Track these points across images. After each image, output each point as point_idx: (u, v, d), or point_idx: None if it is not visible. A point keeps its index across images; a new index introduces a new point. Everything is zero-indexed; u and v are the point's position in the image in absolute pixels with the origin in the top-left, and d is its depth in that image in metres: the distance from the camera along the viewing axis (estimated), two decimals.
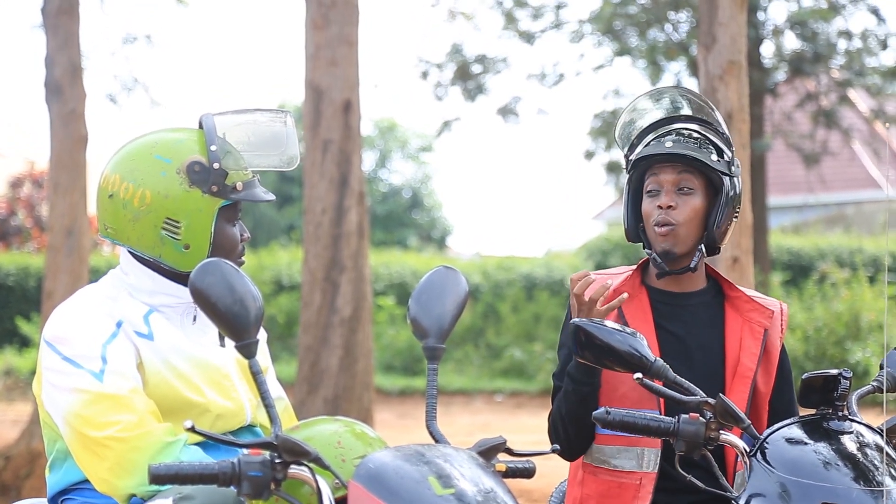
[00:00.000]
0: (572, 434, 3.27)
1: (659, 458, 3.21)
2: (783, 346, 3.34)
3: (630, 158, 3.33)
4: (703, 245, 3.28)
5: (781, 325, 3.33)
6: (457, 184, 60.23)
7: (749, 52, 9.00)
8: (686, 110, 3.33)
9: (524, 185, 62.81)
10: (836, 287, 15.96)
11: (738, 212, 3.30)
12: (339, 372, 9.21)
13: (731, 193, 3.26)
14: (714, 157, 3.25)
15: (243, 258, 3.09)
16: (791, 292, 17.04)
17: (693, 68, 15.41)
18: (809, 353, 14.78)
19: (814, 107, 16.10)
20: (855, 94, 17.63)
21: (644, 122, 3.34)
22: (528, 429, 12.59)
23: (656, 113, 3.34)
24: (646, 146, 3.30)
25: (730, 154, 3.27)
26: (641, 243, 3.33)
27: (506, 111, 16.71)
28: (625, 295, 3.19)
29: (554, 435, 3.29)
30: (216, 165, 3.00)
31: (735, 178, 3.28)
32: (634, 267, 3.38)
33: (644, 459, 3.23)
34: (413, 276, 19.72)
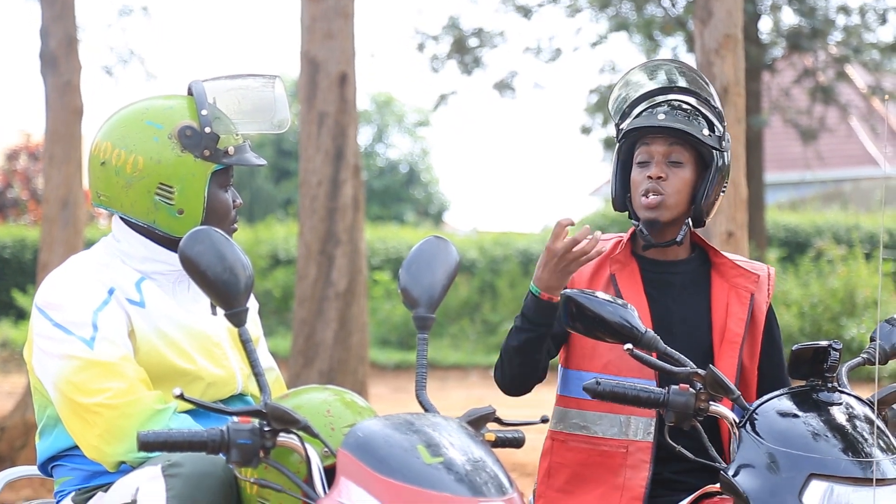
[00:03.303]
0: (516, 364, 3.21)
1: (654, 428, 3.20)
2: (771, 309, 3.32)
3: (621, 128, 3.32)
4: (689, 219, 3.28)
5: (769, 288, 3.32)
6: (454, 159, 60.21)
7: (747, 27, 8.98)
8: (681, 83, 3.33)
9: (521, 161, 62.80)
10: (833, 264, 15.97)
11: (726, 185, 3.30)
12: (333, 345, 9.20)
13: (721, 164, 3.26)
14: (705, 131, 3.24)
15: (236, 224, 3.09)
16: (787, 269, 17.04)
17: (690, 43, 15.35)
18: (805, 329, 14.81)
19: (811, 83, 16.06)
20: (853, 70, 17.59)
21: (637, 94, 3.33)
22: (523, 403, 12.59)
23: (650, 85, 3.33)
24: (637, 117, 3.29)
25: (721, 128, 3.27)
26: (628, 213, 3.33)
27: (502, 86, 16.66)
28: (587, 227, 3.13)
29: (499, 367, 3.26)
30: (207, 129, 3.00)
31: (725, 153, 3.27)
32: (626, 234, 3.37)
33: (630, 427, 3.21)
34: (409, 251, 19.70)
